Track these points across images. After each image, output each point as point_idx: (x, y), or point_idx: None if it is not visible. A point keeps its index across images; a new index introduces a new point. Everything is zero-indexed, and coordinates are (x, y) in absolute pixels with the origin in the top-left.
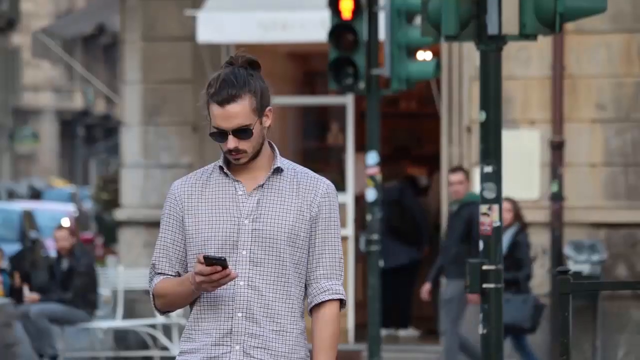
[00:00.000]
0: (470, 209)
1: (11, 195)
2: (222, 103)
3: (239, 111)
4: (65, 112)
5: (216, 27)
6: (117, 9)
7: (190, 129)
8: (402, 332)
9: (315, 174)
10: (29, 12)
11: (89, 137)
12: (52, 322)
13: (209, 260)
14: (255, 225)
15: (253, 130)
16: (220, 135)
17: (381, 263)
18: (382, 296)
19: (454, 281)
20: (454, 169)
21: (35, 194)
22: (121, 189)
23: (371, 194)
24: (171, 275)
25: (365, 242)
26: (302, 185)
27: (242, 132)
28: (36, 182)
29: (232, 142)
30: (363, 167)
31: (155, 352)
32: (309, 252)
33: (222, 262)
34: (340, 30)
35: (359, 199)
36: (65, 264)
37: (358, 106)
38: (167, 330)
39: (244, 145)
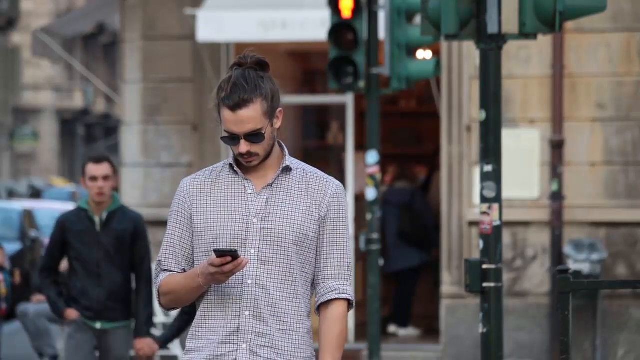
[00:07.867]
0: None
1: (11, 195)
2: (233, 108)
3: (250, 116)
4: (65, 111)
5: (216, 26)
6: (117, 8)
7: (190, 128)
8: (402, 331)
9: (324, 174)
10: (29, 11)
11: (89, 136)
12: (52, 322)
13: (219, 252)
14: (264, 224)
15: (265, 134)
16: (232, 139)
17: (381, 262)
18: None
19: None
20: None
21: (35, 193)
22: (121, 188)
23: (371, 193)
24: (177, 272)
25: (365, 241)
26: (312, 185)
27: (254, 137)
28: (36, 181)
29: (244, 147)
30: (363, 166)
31: None
32: (317, 252)
33: (232, 253)
34: (340, 29)
35: (359, 198)
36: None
37: (358, 105)
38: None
39: (256, 148)
